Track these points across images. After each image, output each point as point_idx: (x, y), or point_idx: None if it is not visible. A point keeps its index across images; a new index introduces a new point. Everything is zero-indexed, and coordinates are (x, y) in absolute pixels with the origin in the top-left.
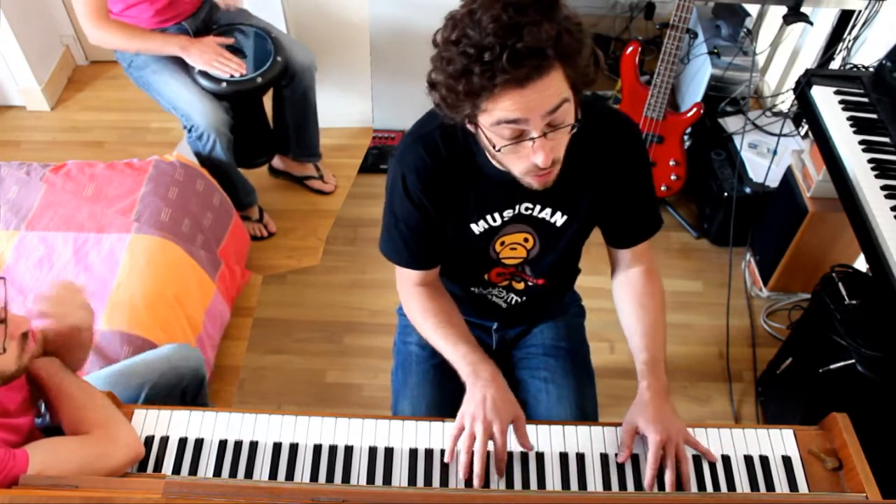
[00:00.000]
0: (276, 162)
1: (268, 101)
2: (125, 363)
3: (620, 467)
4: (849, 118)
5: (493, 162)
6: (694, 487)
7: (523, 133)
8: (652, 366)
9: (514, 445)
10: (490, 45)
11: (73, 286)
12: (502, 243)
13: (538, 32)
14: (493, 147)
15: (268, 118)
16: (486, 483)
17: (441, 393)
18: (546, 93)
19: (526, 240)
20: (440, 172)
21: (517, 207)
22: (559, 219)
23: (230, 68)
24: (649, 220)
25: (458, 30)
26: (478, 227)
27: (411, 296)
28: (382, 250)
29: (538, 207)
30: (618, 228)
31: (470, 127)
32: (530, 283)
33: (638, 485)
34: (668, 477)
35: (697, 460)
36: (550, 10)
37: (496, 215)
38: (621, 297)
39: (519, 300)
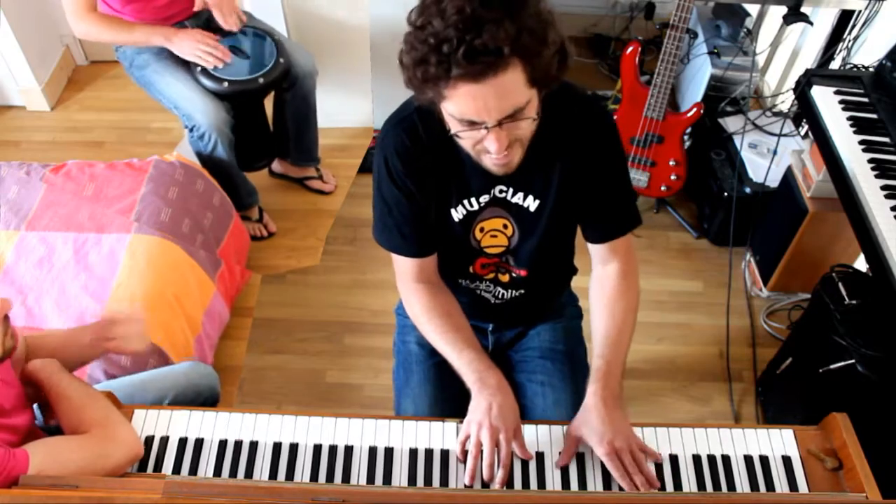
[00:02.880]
0: (276, 165)
1: (268, 104)
2: (142, 375)
3: None
4: (849, 118)
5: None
6: (694, 487)
7: (476, 124)
8: (604, 373)
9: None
10: (448, 38)
11: (136, 316)
12: (482, 229)
13: (496, 31)
14: (449, 131)
15: (268, 122)
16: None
17: (443, 390)
18: (501, 91)
19: (505, 226)
20: (421, 154)
21: (492, 191)
22: (531, 203)
23: (215, 57)
24: (624, 215)
25: (425, 16)
26: (457, 213)
27: (412, 293)
28: (377, 239)
29: (511, 191)
30: (592, 222)
31: (431, 106)
32: (514, 274)
33: None
34: (638, 481)
35: (697, 460)
36: (516, 6)
37: (473, 200)
38: (592, 297)
39: (507, 294)
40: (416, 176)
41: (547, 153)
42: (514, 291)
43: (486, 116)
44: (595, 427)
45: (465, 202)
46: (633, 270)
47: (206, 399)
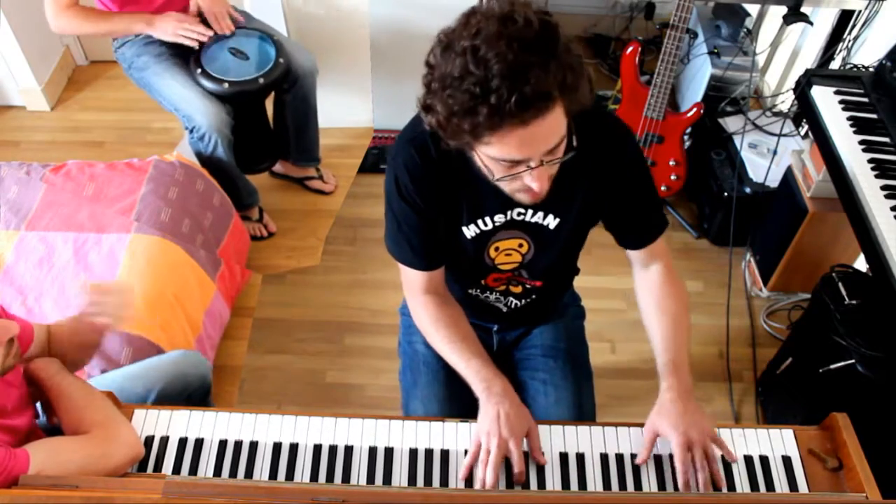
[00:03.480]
0: (276, 165)
1: (269, 105)
2: (132, 367)
3: (620, 467)
4: (849, 118)
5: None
6: (693, 487)
7: (521, 162)
8: (673, 367)
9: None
10: (496, 88)
11: (125, 285)
12: (496, 249)
13: (545, 76)
14: (493, 176)
15: (269, 123)
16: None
17: (451, 391)
18: (547, 130)
19: (521, 245)
20: (431, 173)
21: (509, 213)
22: (552, 221)
23: (196, 34)
24: (656, 219)
25: (461, 65)
26: (469, 232)
27: (420, 304)
28: (389, 249)
29: (530, 212)
30: (627, 231)
31: (465, 148)
32: (528, 286)
33: (637, 485)
34: (701, 479)
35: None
36: (554, 45)
37: (487, 219)
38: (642, 300)
39: (518, 303)
40: (426, 193)
41: (569, 171)
42: (525, 299)
43: (530, 154)
44: (672, 420)
45: (479, 221)
46: (673, 270)
47: (196, 389)
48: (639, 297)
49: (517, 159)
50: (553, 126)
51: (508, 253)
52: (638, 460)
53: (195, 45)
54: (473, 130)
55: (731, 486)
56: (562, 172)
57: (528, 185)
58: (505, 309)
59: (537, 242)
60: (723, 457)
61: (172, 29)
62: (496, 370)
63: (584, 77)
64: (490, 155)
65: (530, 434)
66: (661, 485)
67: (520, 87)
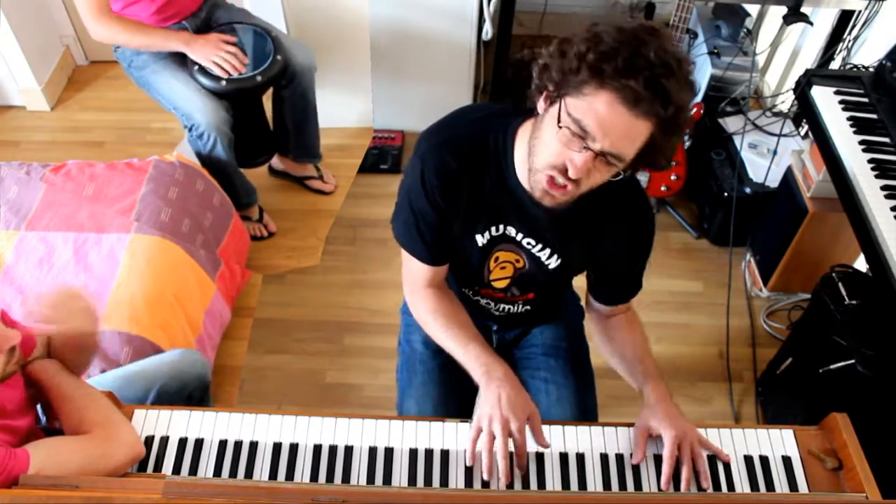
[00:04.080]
0: (276, 162)
1: (267, 102)
2: (131, 367)
3: (620, 467)
4: (849, 118)
5: (518, 172)
6: (694, 487)
7: (584, 139)
8: (653, 372)
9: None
10: (648, 57)
11: (72, 291)
12: (496, 259)
13: (679, 89)
14: (558, 122)
15: (267, 117)
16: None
17: (446, 391)
18: (630, 131)
19: (517, 261)
20: (461, 179)
21: (520, 236)
22: (553, 262)
23: (232, 65)
24: (632, 287)
25: (626, 31)
26: (482, 239)
27: (419, 297)
28: (398, 237)
29: (539, 246)
30: (602, 287)
31: (541, 103)
32: (520, 301)
33: (637, 485)
34: (685, 474)
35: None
36: (692, 90)
37: (501, 226)
38: (600, 336)
39: (511, 309)
40: (451, 198)
41: (581, 223)
42: (517, 308)
43: (600, 136)
44: (663, 418)
45: (493, 228)
46: (635, 313)
47: (195, 387)
48: (596, 333)
49: (588, 130)
50: (633, 134)
51: (503, 266)
52: (634, 459)
53: (229, 74)
54: (594, 68)
55: (731, 486)
56: (577, 221)
57: (569, 161)
58: (498, 314)
59: (533, 270)
60: (716, 457)
61: (210, 54)
62: (495, 355)
63: (679, 134)
64: (571, 111)
65: (532, 418)
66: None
67: (660, 75)
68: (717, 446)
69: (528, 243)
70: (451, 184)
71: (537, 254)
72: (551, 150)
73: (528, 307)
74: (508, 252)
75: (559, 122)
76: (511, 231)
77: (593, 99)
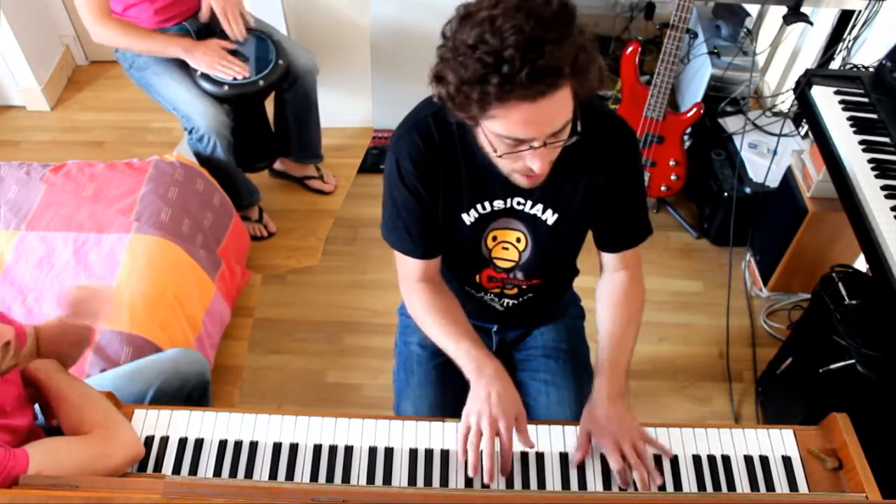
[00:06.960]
0: (277, 163)
1: (269, 103)
2: (130, 366)
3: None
4: (849, 118)
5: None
6: (694, 487)
7: (525, 141)
8: (609, 366)
9: (515, 445)
10: (510, 58)
11: (92, 288)
12: (494, 238)
13: (559, 52)
14: (494, 151)
15: (269, 122)
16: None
17: (443, 393)
18: (554, 110)
19: (518, 240)
20: (434, 159)
21: (509, 201)
22: (550, 217)
23: (233, 71)
24: (639, 227)
25: (476, 34)
26: (469, 218)
27: (413, 292)
28: (385, 237)
29: (529, 203)
30: (607, 231)
31: (469, 123)
32: (524, 287)
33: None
34: (636, 476)
35: (697, 460)
36: (570, 25)
37: (486, 203)
38: (600, 299)
39: (514, 302)
40: (428, 180)
41: (569, 167)
42: (521, 298)
43: (535, 134)
44: (598, 420)
45: (479, 206)
46: (640, 278)
47: (194, 387)
48: (598, 295)
49: (521, 138)
50: (560, 106)
51: (506, 247)
52: (575, 460)
53: (232, 79)
54: (482, 100)
55: (731, 486)
56: (563, 166)
57: (529, 165)
58: (501, 308)
59: (535, 239)
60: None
61: (210, 62)
62: (488, 352)
63: (595, 62)
64: (495, 131)
65: (519, 418)
66: (661, 485)
67: (533, 60)
68: (662, 443)
69: (519, 203)
70: (425, 167)
71: (531, 212)
72: (504, 163)
73: (532, 295)
74: (505, 230)
75: (495, 151)
76: (499, 204)
77: (506, 115)
